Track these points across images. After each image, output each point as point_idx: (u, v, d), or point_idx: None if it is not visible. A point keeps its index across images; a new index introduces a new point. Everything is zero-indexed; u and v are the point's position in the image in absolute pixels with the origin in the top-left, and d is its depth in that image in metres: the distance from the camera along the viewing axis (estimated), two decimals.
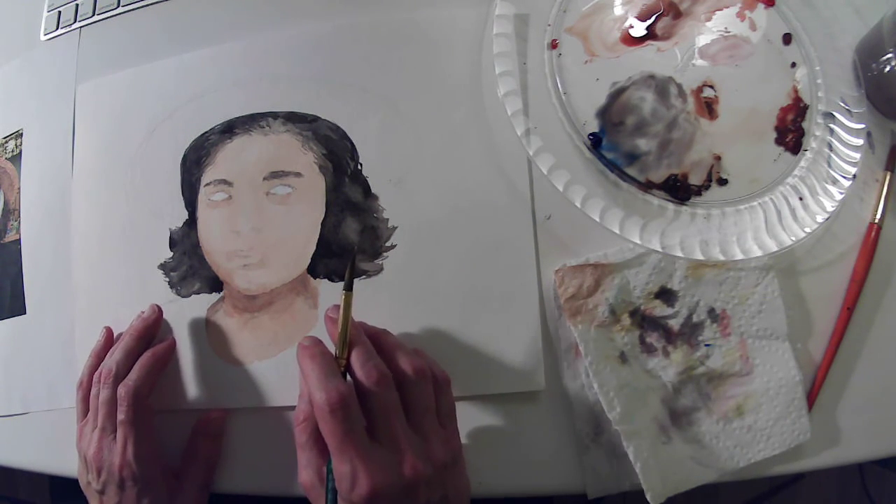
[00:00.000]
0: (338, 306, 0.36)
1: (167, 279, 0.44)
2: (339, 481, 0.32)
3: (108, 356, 0.42)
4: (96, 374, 0.41)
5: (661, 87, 0.42)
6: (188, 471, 0.41)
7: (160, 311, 0.43)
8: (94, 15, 0.51)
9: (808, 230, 0.39)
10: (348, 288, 0.35)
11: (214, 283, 0.44)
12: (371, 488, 0.31)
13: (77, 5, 0.52)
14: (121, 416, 0.38)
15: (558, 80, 0.42)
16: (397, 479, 0.32)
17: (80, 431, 0.41)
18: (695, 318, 0.40)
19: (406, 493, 0.32)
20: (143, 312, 0.43)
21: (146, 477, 0.38)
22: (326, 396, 0.32)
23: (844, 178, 0.40)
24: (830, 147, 0.41)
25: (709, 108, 0.42)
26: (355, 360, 0.34)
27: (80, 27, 0.51)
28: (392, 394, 0.34)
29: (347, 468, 0.31)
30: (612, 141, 0.41)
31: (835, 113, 0.41)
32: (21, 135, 0.51)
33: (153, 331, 0.43)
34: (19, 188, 0.50)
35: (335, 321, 0.36)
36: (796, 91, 0.42)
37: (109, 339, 0.44)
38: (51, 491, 0.76)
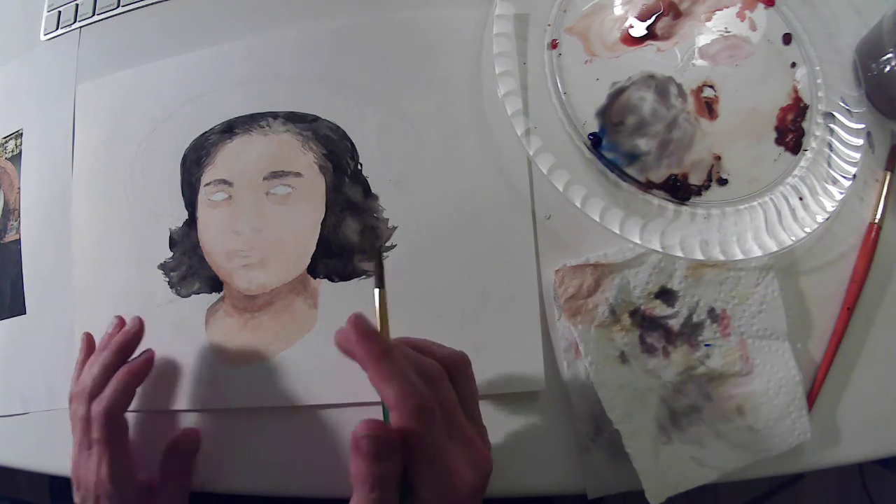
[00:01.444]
0: (346, 329, 0.34)
1: (167, 279, 0.44)
2: (436, 485, 0.29)
3: (85, 370, 0.41)
4: (72, 389, 0.41)
5: (661, 87, 0.42)
6: (163, 486, 0.40)
7: (142, 324, 0.42)
8: (94, 15, 0.51)
9: (808, 230, 0.39)
10: (380, 285, 0.33)
11: (214, 283, 0.44)
12: (463, 490, 0.30)
13: (77, 5, 0.52)
14: (95, 435, 0.38)
15: (558, 80, 0.42)
16: (476, 477, 0.31)
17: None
18: (695, 318, 0.40)
19: (481, 489, 0.31)
20: (116, 319, 0.43)
21: (121, 495, 0.38)
22: (419, 402, 0.29)
23: (844, 178, 0.40)
24: (830, 147, 0.41)
25: (709, 108, 0.42)
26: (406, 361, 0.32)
27: (80, 27, 0.51)
28: (450, 389, 0.32)
29: (445, 473, 0.30)
30: (612, 141, 0.41)
31: (835, 113, 0.41)
32: (21, 135, 0.51)
33: (134, 344, 0.42)
34: (19, 188, 0.50)
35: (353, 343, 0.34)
36: (796, 91, 0.42)
37: (91, 347, 0.43)
38: (51, 491, 0.76)
